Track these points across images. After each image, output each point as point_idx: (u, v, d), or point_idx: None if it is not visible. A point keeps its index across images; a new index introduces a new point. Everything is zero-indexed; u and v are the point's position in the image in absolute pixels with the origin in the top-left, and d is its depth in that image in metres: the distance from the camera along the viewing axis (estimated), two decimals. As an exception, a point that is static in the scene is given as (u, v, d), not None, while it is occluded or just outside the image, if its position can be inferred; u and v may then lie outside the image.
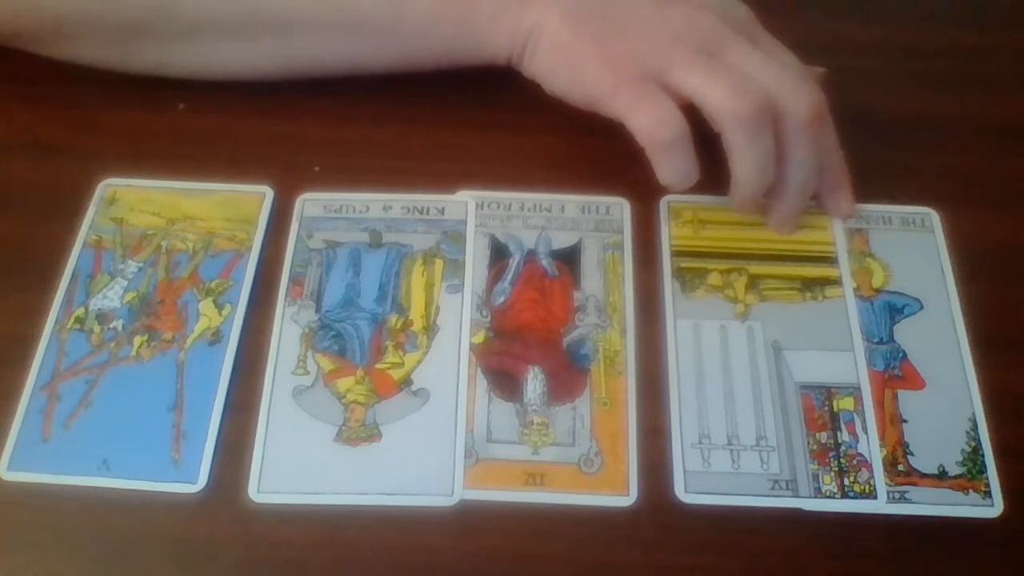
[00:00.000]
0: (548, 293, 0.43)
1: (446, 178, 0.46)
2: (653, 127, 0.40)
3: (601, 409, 0.40)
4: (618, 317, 0.42)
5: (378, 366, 0.41)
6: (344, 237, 0.44)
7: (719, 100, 0.39)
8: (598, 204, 0.46)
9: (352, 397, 0.40)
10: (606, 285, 0.43)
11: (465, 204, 0.45)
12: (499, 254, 0.44)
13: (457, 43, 0.45)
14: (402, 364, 0.41)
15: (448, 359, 0.41)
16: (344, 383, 0.40)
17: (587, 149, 0.47)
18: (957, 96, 0.51)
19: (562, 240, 0.44)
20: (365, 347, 0.41)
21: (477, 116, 0.48)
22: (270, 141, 0.48)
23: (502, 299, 0.43)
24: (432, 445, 0.39)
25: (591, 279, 0.43)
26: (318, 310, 0.42)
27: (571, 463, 0.38)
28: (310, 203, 0.45)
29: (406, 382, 0.40)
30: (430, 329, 0.42)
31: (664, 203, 0.46)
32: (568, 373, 0.41)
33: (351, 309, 0.42)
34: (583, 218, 0.45)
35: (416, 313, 0.42)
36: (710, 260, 0.44)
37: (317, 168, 0.47)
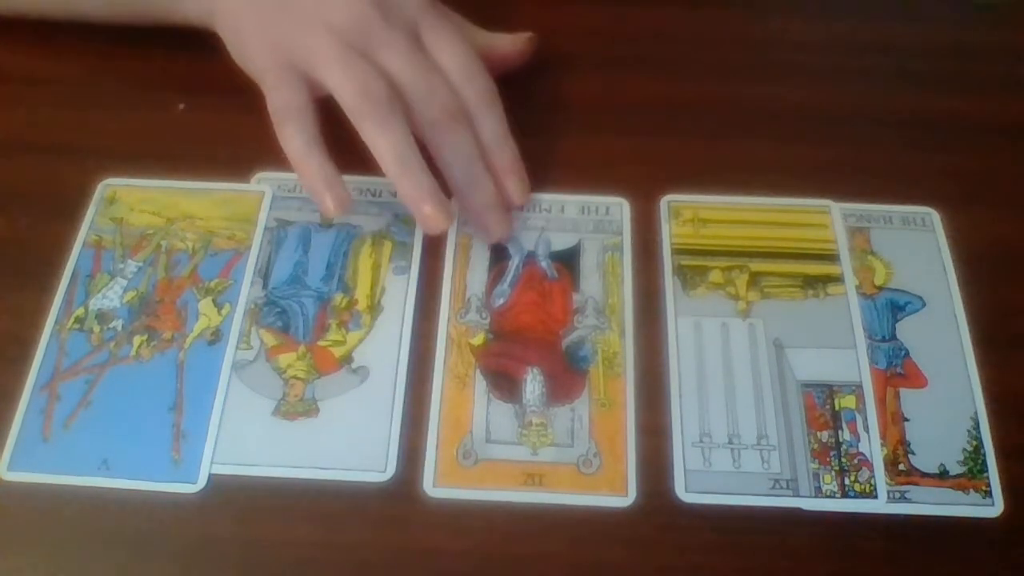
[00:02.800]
0: (548, 295, 0.43)
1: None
2: (274, 113, 0.41)
3: (600, 410, 0.40)
4: (617, 319, 0.42)
5: (320, 343, 0.41)
6: (296, 216, 0.45)
7: (348, 99, 0.40)
8: (598, 204, 0.46)
9: (292, 372, 0.40)
10: (605, 287, 0.43)
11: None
12: (498, 256, 0.44)
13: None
14: (344, 342, 0.41)
15: (390, 338, 0.41)
16: (285, 358, 0.41)
17: (587, 149, 0.47)
18: (957, 96, 0.50)
19: (561, 241, 0.44)
20: (309, 324, 0.42)
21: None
22: (270, 141, 0.48)
23: (501, 301, 0.43)
24: (368, 422, 0.39)
25: (590, 281, 0.43)
26: (265, 287, 0.43)
27: (570, 463, 0.38)
28: (265, 181, 0.46)
29: (347, 359, 0.41)
30: (374, 309, 0.42)
31: (664, 202, 0.46)
32: (567, 374, 0.41)
33: (297, 287, 0.43)
34: (583, 219, 0.45)
35: (361, 292, 0.43)
36: (711, 258, 0.44)
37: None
